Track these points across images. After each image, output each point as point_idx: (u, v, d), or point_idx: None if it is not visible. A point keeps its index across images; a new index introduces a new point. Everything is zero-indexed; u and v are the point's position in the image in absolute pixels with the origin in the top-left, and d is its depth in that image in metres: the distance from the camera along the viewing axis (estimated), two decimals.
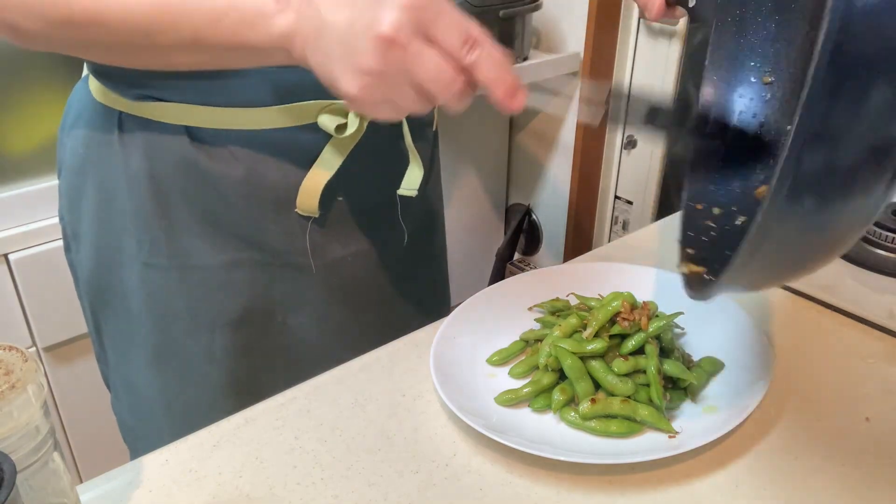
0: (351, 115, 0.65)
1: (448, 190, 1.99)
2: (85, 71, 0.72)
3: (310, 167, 0.66)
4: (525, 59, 1.65)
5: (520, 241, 2.04)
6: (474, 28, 0.46)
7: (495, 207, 2.00)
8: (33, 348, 1.29)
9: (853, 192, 0.36)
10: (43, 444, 0.39)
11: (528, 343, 0.64)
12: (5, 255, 1.20)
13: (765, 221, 0.36)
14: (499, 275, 2.01)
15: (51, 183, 1.23)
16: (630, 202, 1.87)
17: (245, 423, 0.57)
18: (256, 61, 0.54)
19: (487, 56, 0.46)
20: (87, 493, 0.51)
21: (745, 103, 0.59)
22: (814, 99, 0.32)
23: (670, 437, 0.54)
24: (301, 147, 0.65)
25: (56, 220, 1.21)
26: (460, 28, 0.45)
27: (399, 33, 0.43)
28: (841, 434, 0.55)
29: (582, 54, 1.71)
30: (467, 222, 1.93)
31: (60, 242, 1.21)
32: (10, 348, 0.40)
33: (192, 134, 0.64)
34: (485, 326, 0.66)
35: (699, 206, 0.56)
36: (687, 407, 0.57)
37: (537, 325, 0.66)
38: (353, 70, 0.45)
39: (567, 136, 1.83)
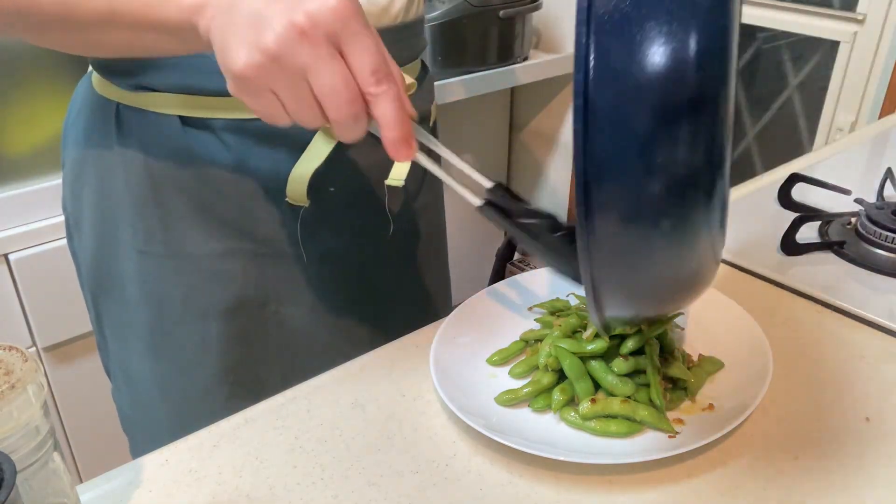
0: None
1: (448, 190, 1.97)
2: (90, 67, 0.73)
3: (299, 156, 0.66)
4: (525, 59, 1.65)
5: None
6: (391, 65, 0.45)
7: None
8: (33, 348, 1.29)
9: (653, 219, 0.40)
10: (43, 444, 0.39)
11: (528, 343, 0.64)
12: (5, 255, 1.20)
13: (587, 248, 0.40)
14: (499, 275, 2.01)
15: (51, 183, 1.23)
16: None
17: (245, 423, 0.57)
18: (168, 43, 0.52)
19: (393, 96, 0.44)
20: (87, 493, 0.51)
21: None
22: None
23: (670, 437, 0.54)
24: (290, 136, 0.66)
25: (56, 219, 1.21)
26: (377, 57, 0.43)
27: (314, 28, 0.42)
28: (841, 434, 0.55)
29: None
30: (467, 222, 1.93)
31: (60, 242, 1.21)
32: (10, 348, 0.40)
33: (185, 123, 0.65)
34: (485, 326, 0.66)
35: None
36: (687, 407, 0.57)
37: (537, 325, 0.66)
38: (251, 45, 0.43)
39: (567, 136, 1.84)
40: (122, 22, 0.52)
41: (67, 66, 1.24)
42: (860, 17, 1.34)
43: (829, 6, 1.39)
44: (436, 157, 0.52)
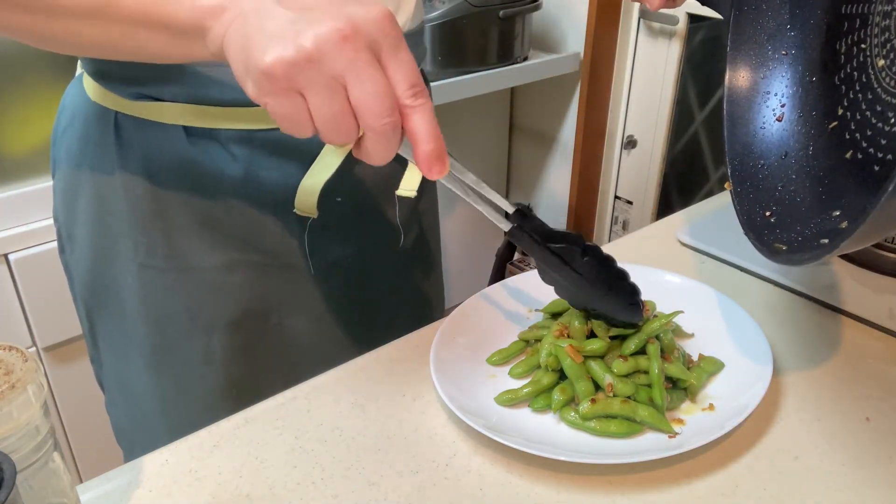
0: None
1: (448, 190, 1.98)
2: (78, 70, 0.71)
3: (308, 167, 0.66)
4: (525, 59, 1.65)
5: None
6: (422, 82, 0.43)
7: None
8: (33, 348, 1.29)
9: None
10: (43, 444, 0.39)
11: (528, 343, 0.64)
12: (5, 255, 1.20)
13: None
14: (499, 275, 2.01)
15: (51, 183, 1.23)
16: (630, 202, 1.87)
17: (245, 423, 0.57)
18: (165, 45, 0.48)
19: (429, 109, 0.42)
20: (87, 493, 0.51)
21: (767, 84, 0.61)
22: None
23: (670, 437, 0.54)
24: (300, 147, 0.65)
25: None
26: (415, 70, 0.42)
27: (357, 35, 0.40)
28: (841, 434, 0.55)
29: (582, 54, 1.71)
30: (467, 222, 1.93)
31: None
32: (10, 348, 0.40)
33: (191, 134, 0.64)
34: (485, 326, 0.66)
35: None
36: (687, 407, 0.57)
37: None
38: (285, 41, 0.40)
39: (567, 136, 1.83)
40: (115, 14, 0.47)
41: (67, 66, 1.24)
42: None
43: None
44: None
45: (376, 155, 0.43)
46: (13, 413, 0.37)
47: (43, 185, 1.23)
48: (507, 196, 2.03)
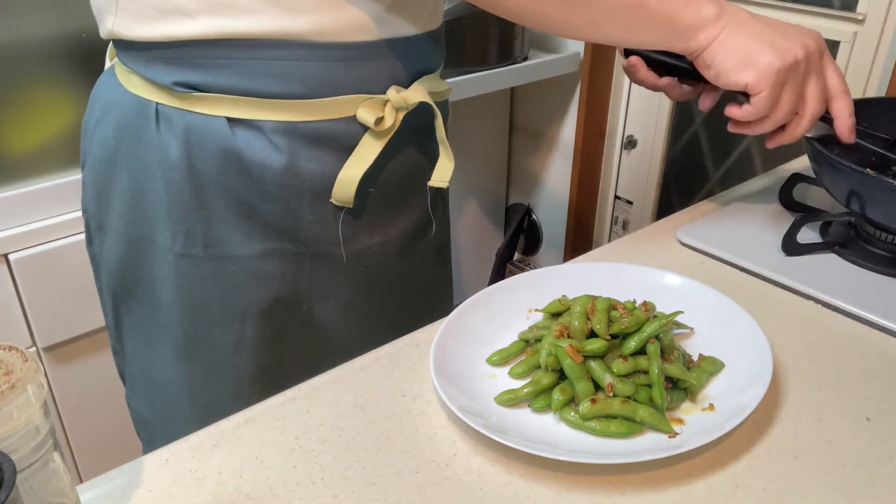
0: (388, 109, 0.67)
1: (452, 188, 1.98)
2: (108, 63, 0.72)
3: (346, 158, 0.67)
4: (525, 59, 1.65)
5: (520, 241, 2.04)
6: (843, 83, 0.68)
7: (495, 207, 2.00)
8: (33, 348, 1.29)
9: None
10: (43, 444, 0.39)
11: (528, 343, 0.64)
12: (5, 255, 1.20)
13: None
14: (499, 275, 2.02)
15: (51, 183, 1.23)
16: (630, 202, 1.87)
17: (245, 423, 0.57)
18: (659, 37, 0.66)
19: (849, 100, 0.69)
20: (87, 493, 0.51)
21: None
22: None
23: (670, 437, 0.54)
24: (339, 139, 0.67)
25: (56, 219, 1.20)
26: (840, 76, 0.68)
27: (816, 50, 0.66)
28: (841, 434, 0.55)
29: (582, 54, 1.71)
30: (467, 222, 1.93)
31: (60, 242, 1.21)
32: (10, 348, 0.40)
33: (234, 124, 0.65)
34: (485, 326, 0.66)
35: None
36: (687, 407, 0.57)
37: None
38: (777, 50, 0.64)
39: (567, 136, 1.83)
40: (641, 13, 0.63)
41: (67, 66, 1.24)
42: (860, 17, 1.34)
43: (829, 6, 1.39)
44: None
45: (798, 131, 0.69)
46: (13, 413, 0.37)
47: (44, 185, 1.23)
48: (507, 196, 2.03)
